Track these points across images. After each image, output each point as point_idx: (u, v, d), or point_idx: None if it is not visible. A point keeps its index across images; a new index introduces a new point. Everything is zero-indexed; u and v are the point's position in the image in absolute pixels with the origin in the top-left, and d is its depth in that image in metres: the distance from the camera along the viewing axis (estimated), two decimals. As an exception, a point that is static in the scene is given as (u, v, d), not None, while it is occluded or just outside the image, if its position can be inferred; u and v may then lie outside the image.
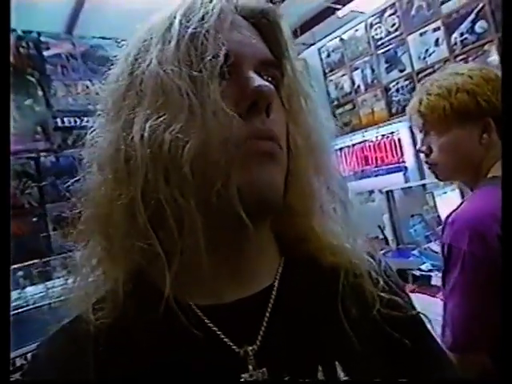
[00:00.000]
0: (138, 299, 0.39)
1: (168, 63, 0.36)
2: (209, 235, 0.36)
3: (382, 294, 0.43)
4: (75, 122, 2.48)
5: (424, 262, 2.29)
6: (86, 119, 2.49)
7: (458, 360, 0.78)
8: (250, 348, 0.37)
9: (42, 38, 2.50)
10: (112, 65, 0.44)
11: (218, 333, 0.38)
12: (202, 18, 0.37)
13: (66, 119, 2.46)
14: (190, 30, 0.37)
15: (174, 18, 0.39)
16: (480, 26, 2.68)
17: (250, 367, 0.37)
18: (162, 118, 0.35)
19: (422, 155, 1.06)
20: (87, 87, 2.54)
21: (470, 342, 0.81)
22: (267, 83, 0.38)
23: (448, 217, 0.89)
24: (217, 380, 0.37)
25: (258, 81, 0.37)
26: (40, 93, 2.41)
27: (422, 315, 0.48)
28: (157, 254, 0.37)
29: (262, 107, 0.37)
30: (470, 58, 2.73)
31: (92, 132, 0.43)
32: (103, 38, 2.67)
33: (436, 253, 2.30)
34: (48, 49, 2.49)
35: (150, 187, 0.35)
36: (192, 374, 0.37)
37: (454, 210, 0.89)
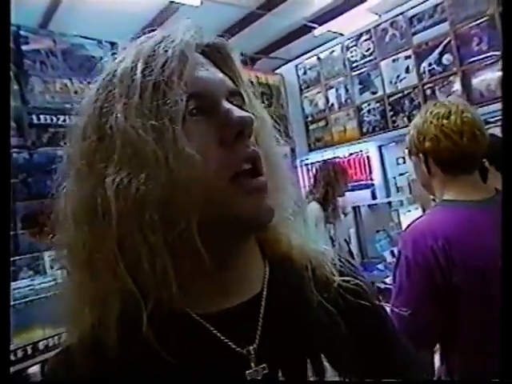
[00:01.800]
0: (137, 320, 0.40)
1: (133, 117, 0.38)
2: (199, 259, 0.39)
3: (341, 278, 0.49)
4: (51, 119, 2.41)
5: (388, 276, 2.41)
6: (62, 118, 2.43)
7: None
8: (251, 347, 0.41)
9: (22, 32, 2.42)
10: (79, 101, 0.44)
11: (219, 335, 0.41)
12: (164, 65, 0.39)
13: (41, 116, 2.38)
14: (152, 80, 0.38)
15: (136, 68, 0.39)
16: (446, 58, 2.90)
17: (252, 364, 0.41)
18: (129, 170, 0.37)
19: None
20: (66, 86, 2.48)
21: (415, 339, 0.91)
22: (246, 113, 0.41)
23: (405, 230, 1.04)
24: (225, 378, 0.40)
25: (238, 111, 0.40)
26: (16, 87, 2.33)
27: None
28: (133, 294, 0.39)
29: (247, 135, 0.40)
30: (437, 87, 2.94)
31: (64, 188, 0.42)
32: (85, 37, 2.62)
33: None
34: (27, 43, 2.41)
35: (125, 236, 0.37)
36: (201, 375, 0.40)
37: (409, 225, 1.05)
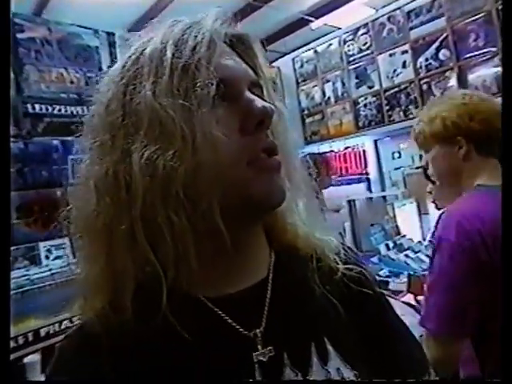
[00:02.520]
0: (153, 298, 0.41)
1: (162, 96, 0.38)
2: (206, 244, 0.40)
3: (345, 266, 0.50)
4: (47, 109, 2.38)
5: (382, 269, 2.44)
6: (58, 107, 2.41)
7: (440, 343, 0.90)
8: (258, 330, 0.42)
9: (16, 20, 2.38)
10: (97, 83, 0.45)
11: (226, 318, 0.42)
12: (193, 49, 0.40)
13: (37, 106, 2.35)
14: (182, 62, 0.39)
15: (165, 49, 0.40)
16: (443, 53, 2.91)
17: (259, 347, 0.42)
18: (157, 147, 0.38)
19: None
20: (62, 75, 2.45)
21: (456, 325, 0.92)
22: (268, 103, 0.42)
23: (440, 216, 1.03)
24: (232, 359, 0.41)
25: (260, 102, 0.41)
26: (11, 76, 2.31)
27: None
28: (153, 269, 0.39)
29: (267, 125, 0.41)
30: (433, 82, 2.96)
31: (86, 161, 0.43)
32: (81, 26, 2.59)
33: (394, 260, 2.47)
34: (22, 31, 2.38)
35: (148, 210, 0.38)
36: (210, 357, 0.41)
37: (444, 211, 1.04)
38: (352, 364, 0.44)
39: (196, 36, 0.41)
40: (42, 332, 1.32)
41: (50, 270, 2.05)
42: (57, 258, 2.23)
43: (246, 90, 0.42)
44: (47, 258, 2.24)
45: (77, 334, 0.44)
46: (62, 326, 1.33)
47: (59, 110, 2.40)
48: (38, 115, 2.34)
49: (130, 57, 0.43)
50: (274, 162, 0.42)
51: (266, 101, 0.44)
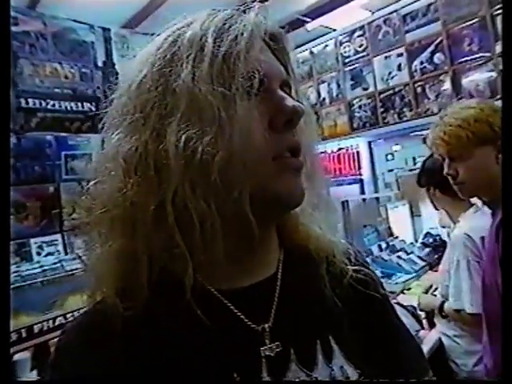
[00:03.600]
0: (163, 289, 0.41)
1: (202, 81, 0.38)
2: (229, 233, 0.40)
3: (353, 267, 0.51)
4: (40, 104, 2.35)
5: (376, 269, 2.45)
6: (52, 102, 2.38)
7: None
8: (267, 325, 0.43)
9: (11, 13, 2.36)
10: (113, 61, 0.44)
11: (236, 312, 0.43)
12: (234, 39, 0.40)
13: (30, 100, 2.32)
14: (222, 51, 0.39)
15: (206, 36, 0.40)
16: (438, 57, 2.94)
17: (267, 341, 0.43)
18: (194, 131, 0.38)
19: (450, 178, 1.18)
20: (56, 70, 2.43)
21: None
22: (298, 102, 0.43)
23: None
24: (240, 353, 0.42)
25: (291, 100, 0.42)
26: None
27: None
28: (180, 251, 0.40)
29: (295, 124, 0.42)
30: (427, 86, 2.99)
31: (114, 138, 0.42)
32: (77, 21, 2.56)
33: (386, 261, 2.48)
34: (17, 24, 2.35)
35: (179, 193, 0.38)
36: (218, 349, 0.41)
37: None
38: (355, 363, 0.45)
39: (237, 27, 0.41)
40: (36, 328, 1.31)
41: (42, 266, 2.03)
42: (48, 254, 2.21)
43: (278, 89, 0.43)
44: (38, 254, 2.21)
45: (85, 319, 0.45)
46: (56, 323, 1.32)
47: (53, 105, 2.37)
48: (32, 110, 2.31)
49: (165, 39, 0.43)
50: (297, 162, 0.43)
51: (295, 100, 0.44)
